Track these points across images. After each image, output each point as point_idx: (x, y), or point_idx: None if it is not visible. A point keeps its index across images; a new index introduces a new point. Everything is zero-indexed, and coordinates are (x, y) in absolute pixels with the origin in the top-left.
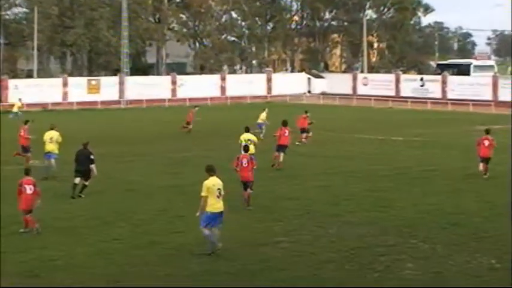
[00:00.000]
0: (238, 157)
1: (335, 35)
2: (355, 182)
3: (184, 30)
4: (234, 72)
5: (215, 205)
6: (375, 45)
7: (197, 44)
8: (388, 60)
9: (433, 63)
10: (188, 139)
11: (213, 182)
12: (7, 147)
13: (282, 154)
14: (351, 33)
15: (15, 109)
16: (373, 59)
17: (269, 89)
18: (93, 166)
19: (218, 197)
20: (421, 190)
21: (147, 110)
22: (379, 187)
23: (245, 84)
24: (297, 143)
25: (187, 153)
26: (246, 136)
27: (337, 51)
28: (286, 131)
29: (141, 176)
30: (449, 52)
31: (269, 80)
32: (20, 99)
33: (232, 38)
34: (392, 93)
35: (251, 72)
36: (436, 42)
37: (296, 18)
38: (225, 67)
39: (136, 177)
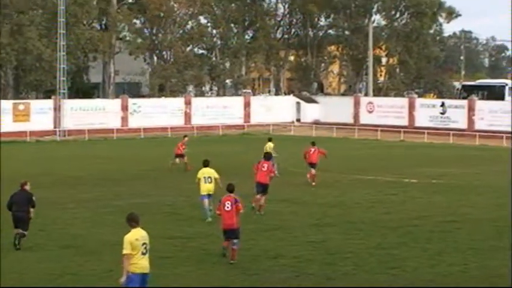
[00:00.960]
0: (220, 200)
1: (332, 47)
2: (356, 236)
3: (139, 40)
4: (202, 94)
5: (139, 264)
6: (384, 60)
7: (155, 58)
8: (400, 79)
9: (457, 84)
10: (144, 181)
11: (137, 236)
12: None
13: (263, 197)
14: (353, 44)
15: None
16: (381, 78)
17: (247, 116)
18: (32, 210)
19: (144, 253)
20: (441, 247)
21: (89, 143)
22: (386, 242)
23: (216, 110)
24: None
25: (143, 199)
26: (205, 172)
27: (335, 67)
28: (265, 165)
29: (84, 229)
30: (478, 70)
31: (247, 105)
32: None
33: (201, 51)
34: (405, 122)
35: (224, 95)
36: (462, 57)
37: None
38: (191, 88)
39: (78, 229)
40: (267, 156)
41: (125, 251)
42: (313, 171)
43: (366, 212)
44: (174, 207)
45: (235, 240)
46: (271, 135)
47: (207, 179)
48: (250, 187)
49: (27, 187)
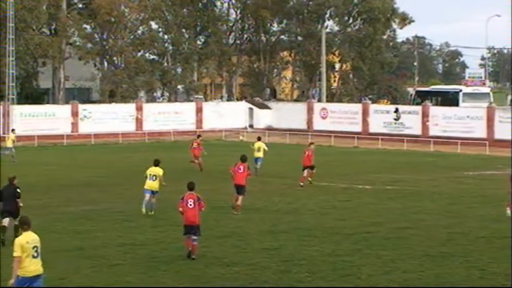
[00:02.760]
0: (182, 197)
1: (285, 53)
2: (311, 243)
3: (89, 45)
4: (153, 100)
5: (29, 267)
6: (337, 66)
7: (106, 64)
8: (354, 85)
9: (411, 90)
10: (95, 187)
11: (28, 239)
12: None
13: (240, 197)
14: (306, 50)
15: (9, 143)
16: (335, 84)
17: (199, 122)
18: (19, 200)
19: (35, 256)
20: (395, 254)
21: (39, 149)
22: (340, 249)
23: (168, 116)
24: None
25: (93, 206)
26: (152, 170)
27: (288, 73)
28: (242, 167)
29: None
30: (432, 75)
31: (199, 111)
32: (13, 130)
33: (152, 56)
34: (359, 128)
35: (176, 101)
36: (416, 63)
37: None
38: (142, 93)
39: None
40: (243, 159)
41: (15, 254)
42: (311, 171)
43: (319, 218)
44: (124, 214)
45: (195, 237)
46: (223, 141)
47: (152, 176)
48: (198, 191)
49: (16, 181)
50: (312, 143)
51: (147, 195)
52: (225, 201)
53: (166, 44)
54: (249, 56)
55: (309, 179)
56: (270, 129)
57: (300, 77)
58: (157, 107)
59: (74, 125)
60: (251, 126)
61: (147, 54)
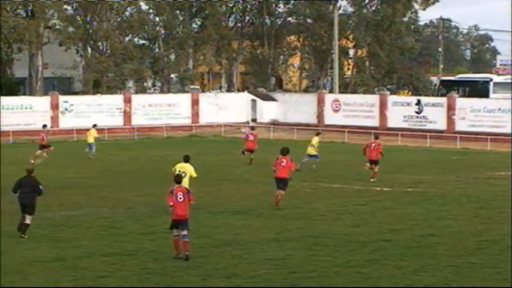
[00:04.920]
0: (172, 190)
1: (292, 37)
2: (321, 252)
3: (71, 29)
4: (143, 90)
5: None
6: (351, 52)
7: (89, 50)
8: (370, 74)
9: (435, 79)
10: (77, 190)
11: None
12: None
13: (281, 192)
14: (316, 34)
15: (90, 139)
16: (348, 73)
17: (195, 115)
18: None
19: None
20: (417, 265)
21: (14, 146)
22: (355, 260)
23: (160, 109)
24: (371, 180)
25: (75, 211)
26: (180, 166)
27: (296, 60)
28: (284, 160)
29: (8, 246)
30: (459, 63)
31: (195, 103)
32: (94, 125)
33: (142, 41)
34: (375, 122)
35: (169, 91)
36: (440, 49)
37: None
38: (131, 83)
39: (2, 246)
40: (284, 151)
41: None
42: (374, 168)
43: (331, 225)
44: (111, 220)
45: (185, 232)
46: (223, 137)
47: (181, 173)
48: (194, 194)
49: (33, 174)
50: (378, 136)
51: None
52: (224, 205)
53: (157, 28)
54: (251, 41)
55: (372, 179)
56: (275, 123)
57: (310, 65)
58: (147, 98)
59: (54, 119)
60: (254, 120)
61: (136, 39)
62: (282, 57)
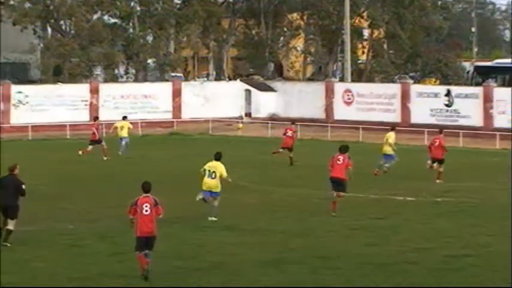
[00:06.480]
0: (136, 201)
1: (295, 15)
2: (330, 276)
3: (27, 4)
4: (114, 79)
5: None
6: (366, 33)
7: (49, 30)
8: (389, 59)
9: (468, 65)
10: (32, 200)
11: None
12: None
13: (340, 194)
14: (324, 11)
15: (124, 133)
16: (363, 57)
17: (177, 109)
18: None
19: None
20: None
21: None
22: (373, 284)
23: (134, 101)
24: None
25: (29, 226)
26: (212, 165)
27: (299, 43)
28: (341, 158)
29: None
30: (497, 46)
31: (177, 94)
32: (124, 118)
33: (113, 20)
34: (396, 117)
35: (145, 80)
36: (474, 29)
37: None
38: (99, 70)
39: None
40: (343, 149)
41: None
42: (438, 167)
43: (343, 242)
44: (72, 237)
45: (149, 252)
46: (210, 135)
47: (211, 173)
48: (176, 205)
49: (17, 171)
50: (442, 130)
51: (206, 197)
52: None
53: (132, 3)
54: (245, 20)
55: (437, 180)
56: (274, 119)
57: (316, 48)
58: (119, 88)
59: (5, 114)
60: (248, 115)
61: (105, 17)
62: (282, 38)
